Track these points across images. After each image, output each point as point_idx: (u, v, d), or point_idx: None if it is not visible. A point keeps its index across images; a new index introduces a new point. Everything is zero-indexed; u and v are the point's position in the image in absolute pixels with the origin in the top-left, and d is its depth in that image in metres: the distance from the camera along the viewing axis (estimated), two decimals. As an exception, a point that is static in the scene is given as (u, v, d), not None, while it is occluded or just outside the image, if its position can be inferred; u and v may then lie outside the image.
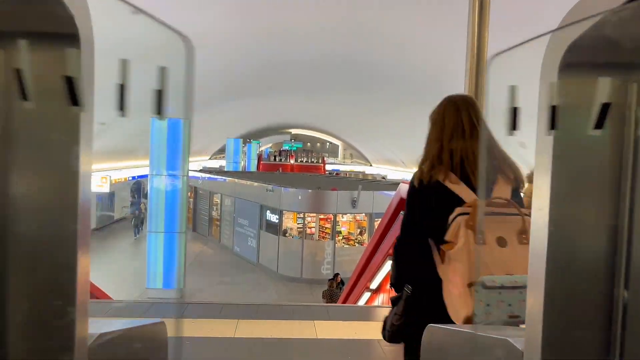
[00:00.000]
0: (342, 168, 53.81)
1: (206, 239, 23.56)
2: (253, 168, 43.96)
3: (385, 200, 17.58)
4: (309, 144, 64.75)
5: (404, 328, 1.97)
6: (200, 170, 27.59)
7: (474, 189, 1.85)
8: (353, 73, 20.31)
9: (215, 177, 23.62)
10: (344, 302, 8.38)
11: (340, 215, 17.14)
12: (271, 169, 44.79)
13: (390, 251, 2.89)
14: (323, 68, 19.75)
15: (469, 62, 3.41)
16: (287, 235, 17.20)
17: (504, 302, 1.68)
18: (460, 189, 1.86)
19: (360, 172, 52.62)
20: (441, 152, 1.94)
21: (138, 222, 22.83)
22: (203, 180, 24.61)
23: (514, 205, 1.80)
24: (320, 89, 24.58)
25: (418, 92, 20.90)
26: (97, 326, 1.12)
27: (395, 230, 3.83)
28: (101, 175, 19.91)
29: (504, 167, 1.92)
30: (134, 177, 26.47)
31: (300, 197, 16.76)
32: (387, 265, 4.93)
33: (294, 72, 20.96)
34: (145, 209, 21.10)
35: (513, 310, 1.67)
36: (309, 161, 51.32)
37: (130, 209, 27.11)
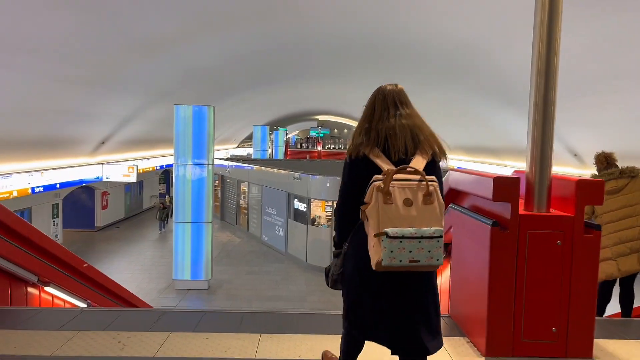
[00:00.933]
0: (370, 154, 52.96)
1: (234, 228, 23.37)
2: (280, 155, 43.68)
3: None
4: (335, 130, 63.99)
5: (342, 276, 2.39)
6: (227, 159, 27.35)
7: (394, 161, 2.25)
8: (381, 54, 19.57)
9: (242, 165, 23.32)
10: None
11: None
12: (298, 156, 44.43)
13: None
14: (350, 50, 19.08)
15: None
16: (315, 224, 16.76)
17: (405, 249, 2.05)
18: (382, 161, 2.25)
19: (388, 158, 51.77)
20: (369, 131, 2.35)
21: (163, 215, 22.15)
22: (230, 169, 24.35)
23: (421, 173, 2.16)
24: (347, 73, 23.88)
25: (448, 72, 20.02)
26: None
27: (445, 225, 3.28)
28: (128, 165, 19.78)
29: (425, 144, 2.31)
30: (161, 167, 26.42)
31: (328, 185, 16.26)
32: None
33: (320, 56, 20.35)
34: (171, 201, 20.77)
35: (413, 257, 2.06)
36: (337, 148, 50.78)
37: (159, 199, 27.05)
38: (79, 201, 21.36)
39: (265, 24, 14.80)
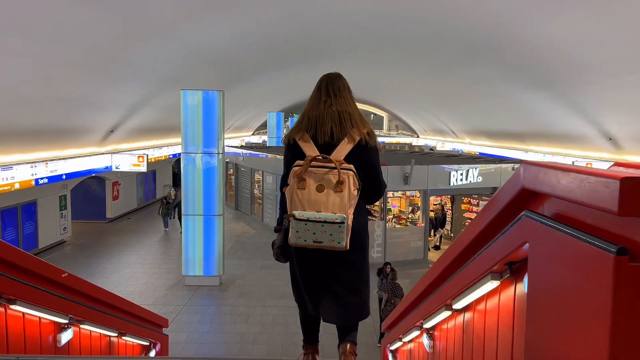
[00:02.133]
0: (387, 140, 51.86)
1: (249, 218, 22.60)
2: (296, 142, 42.65)
3: (442, 175, 16.05)
4: (352, 116, 62.70)
5: (285, 249, 2.60)
6: (241, 147, 26.52)
7: (320, 145, 2.45)
8: (400, 36, 18.44)
9: (257, 153, 22.46)
10: (389, 326, 7.00)
11: (391, 193, 15.61)
12: (314, 143, 43.41)
13: (496, 268, 2.57)
14: (368, 33, 18.00)
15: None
16: (333, 215, 15.86)
17: (309, 231, 2.29)
18: (307, 147, 2.45)
19: (406, 144, 50.57)
20: (302, 118, 2.58)
21: (166, 211, 19.87)
22: (244, 157, 23.53)
23: (335, 162, 2.34)
24: (364, 55, 22.76)
25: (472, 52, 18.81)
26: None
27: (509, 239, 2.38)
28: (138, 154, 19.05)
29: (353, 130, 2.47)
30: (174, 155, 25.72)
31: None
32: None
33: (337, 39, 19.29)
34: (176, 194, 19.88)
35: (317, 238, 2.29)
36: (353, 134, 49.56)
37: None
38: (89, 192, 20.76)
39: (279, 4, 13.82)
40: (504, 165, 16.52)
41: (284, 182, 2.54)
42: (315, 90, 2.66)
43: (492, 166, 16.42)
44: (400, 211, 17.04)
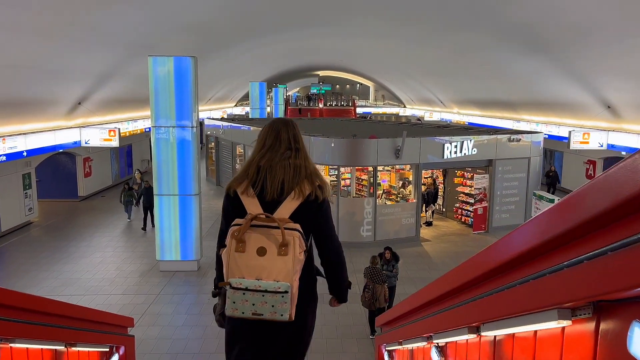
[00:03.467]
0: (373, 111, 50.72)
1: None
2: (281, 114, 41.35)
3: (435, 148, 15.09)
4: (337, 86, 61.41)
5: (225, 316, 2.26)
6: (222, 119, 25.22)
7: (267, 200, 2.20)
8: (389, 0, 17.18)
9: (238, 125, 21.22)
10: (386, 324, 6.07)
11: (381, 167, 14.62)
12: (299, 115, 42.17)
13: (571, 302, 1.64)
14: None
15: None
16: (319, 192, 14.84)
17: (248, 302, 2.04)
18: (250, 203, 2.20)
19: (393, 114, 49.50)
20: (250, 167, 2.30)
21: (128, 198, 16.53)
22: (224, 129, 22.28)
23: (278, 222, 2.08)
24: (351, 23, 21.44)
25: (463, 16, 17.62)
26: None
27: (619, 264, 1.37)
28: (109, 128, 17.73)
29: (304, 182, 2.24)
30: (149, 129, 24.32)
31: (333, 146, 14.27)
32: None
33: (319, 3, 17.96)
34: (142, 178, 17.90)
35: (256, 309, 2.05)
36: (339, 105, 48.41)
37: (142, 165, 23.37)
38: (58, 169, 19.43)
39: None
40: (500, 136, 15.59)
41: (221, 241, 2.28)
42: (269, 136, 2.35)
43: (487, 137, 15.47)
44: (390, 186, 16.10)
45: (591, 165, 20.40)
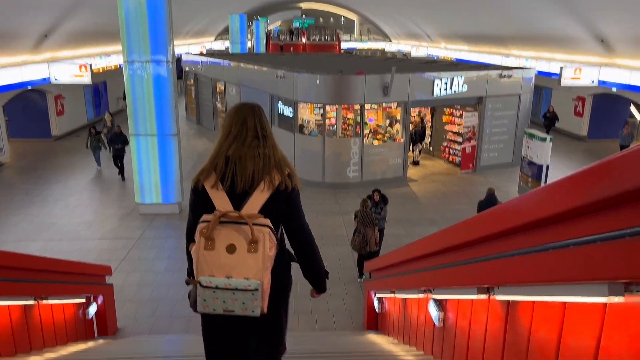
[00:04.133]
0: (358, 46, 49.20)
1: (212, 134, 20.84)
2: (262, 49, 39.84)
3: (424, 85, 14.49)
4: (321, 19, 59.16)
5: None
6: (201, 54, 24.03)
7: (238, 193, 2.12)
8: None
9: (218, 60, 20.20)
10: (376, 270, 5.75)
11: (368, 105, 14.05)
12: (281, 51, 40.67)
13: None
14: None
15: None
16: (304, 131, 14.32)
17: (218, 299, 2.03)
18: (218, 198, 2.11)
19: (378, 49, 48.11)
20: (217, 158, 2.18)
21: (96, 143, 14.82)
22: (203, 65, 21.25)
23: (247, 219, 2.02)
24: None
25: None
26: None
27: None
28: (79, 63, 16.68)
29: (273, 172, 2.16)
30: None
31: (318, 83, 13.60)
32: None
33: None
34: (112, 121, 16.57)
35: (227, 307, 2.04)
36: (323, 39, 46.73)
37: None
38: (29, 107, 18.43)
39: None
40: (490, 72, 15.02)
41: (189, 235, 2.24)
42: (236, 124, 2.24)
43: (478, 73, 14.89)
44: (377, 125, 15.61)
45: (580, 103, 20.06)
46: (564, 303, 1.98)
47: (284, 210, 2.21)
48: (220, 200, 2.11)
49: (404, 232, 10.74)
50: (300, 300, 7.85)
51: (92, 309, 6.26)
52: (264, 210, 2.12)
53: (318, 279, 2.50)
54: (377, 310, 6.48)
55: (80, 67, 16.60)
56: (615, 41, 16.73)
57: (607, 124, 19.57)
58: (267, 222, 2.08)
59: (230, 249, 2.02)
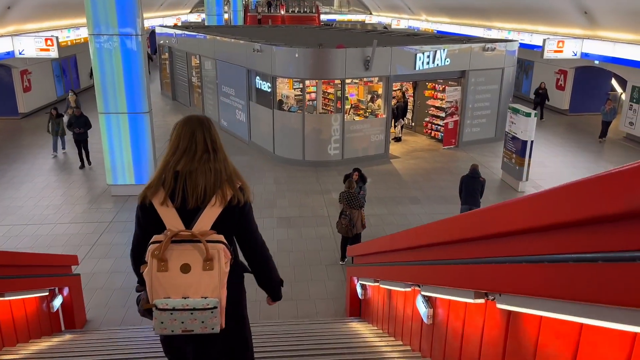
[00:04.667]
0: (338, 18, 48.20)
1: (188, 110, 20.18)
2: (240, 22, 38.70)
3: (407, 58, 14.06)
4: (300, -10, 57.63)
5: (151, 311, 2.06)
6: (175, 26, 23.11)
7: (189, 209, 2.05)
8: None
9: (193, 33, 19.41)
10: (360, 256, 5.41)
11: (349, 79, 13.61)
12: (259, 23, 39.61)
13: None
14: None
15: None
16: (283, 107, 13.84)
17: (176, 321, 1.96)
18: (168, 216, 2.03)
19: (358, 22, 47.21)
20: (165, 173, 2.09)
21: (57, 127, 13.70)
22: (178, 38, 20.43)
23: (199, 237, 1.96)
24: None
25: None
26: None
27: None
28: (45, 36, 15.81)
29: (225, 186, 2.11)
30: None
31: (297, 56, 13.09)
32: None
33: None
34: (76, 101, 15.41)
35: (186, 327, 1.97)
36: (302, 11, 45.64)
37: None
38: (-7, 83, 17.53)
39: None
40: (474, 45, 14.65)
41: (135, 252, 2.17)
42: (184, 138, 2.14)
43: (461, 46, 14.51)
44: (358, 100, 15.20)
45: (562, 76, 19.88)
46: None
47: (237, 225, 2.18)
48: (171, 218, 2.03)
49: (387, 211, 10.48)
50: (281, 286, 7.59)
51: (57, 302, 5.88)
52: (217, 225, 2.08)
53: (273, 289, 2.48)
54: (360, 297, 6.22)
55: (47, 40, 15.75)
56: (598, 13, 16.46)
57: (589, 97, 19.46)
58: (221, 237, 2.04)
59: (185, 268, 1.96)
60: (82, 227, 9.57)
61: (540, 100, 18.47)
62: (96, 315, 6.85)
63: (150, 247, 1.97)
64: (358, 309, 6.53)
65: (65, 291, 6.18)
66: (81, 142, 12.96)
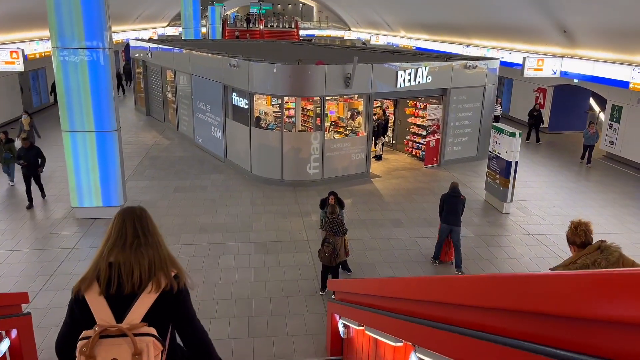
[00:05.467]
0: (317, 33, 48.15)
1: (162, 126, 19.53)
2: (218, 36, 38.26)
3: (388, 75, 13.69)
4: (279, 6, 57.66)
5: None
6: (149, 39, 22.49)
7: (124, 298, 2.04)
8: None
9: (168, 47, 18.83)
10: (342, 293, 4.90)
11: (330, 96, 13.20)
12: (237, 39, 39.22)
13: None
14: None
15: None
16: (261, 124, 13.34)
17: None
18: (99, 309, 2.02)
19: (337, 37, 47.21)
20: (99, 264, 2.11)
21: (7, 153, 11.90)
22: (152, 52, 19.82)
23: (125, 330, 1.94)
24: None
25: None
26: None
27: None
28: (10, 49, 15.07)
29: (160, 274, 2.12)
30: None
31: (275, 72, 12.63)
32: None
33: None
34: (32, 124, 14.08)
35: None
36: (281, 26, 45.43)
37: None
38: (-46, 97, 16.63)
39: None
40: (455, 63, 14.42)
41: (63, 344, 2.13)
42: (116, 228, 2.19)
43: (442, 64, 14.26)
44: (338, 117, 14.80)
45: (541, 94, 19.86)
46: None
47: (173, 313, 2.15)
48: (101, 312, 2.02)
49: (369, 235, 10.00)
50: (256, 321, 7.02)
51: (4, 346, 5.22)
52: (151, 314, 2.05)
53: None
54: (342, 335, 5.70)
55: (12, 52, 15.01)
56: (577, 32, 16.47)
57: (568, 115, 19.46)
58: (151, 330, 2.00)
59: None
60: (40, 254, 8.85)
61: (535, 122, 18.01)
62: (50, 357, 6.17)
63: (79, 344, 1.93)
64: (340, 348, 6.00)
65: (14, 333, 5.52)
66: (31, 178, 11.04)
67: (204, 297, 7.57)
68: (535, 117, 17.97)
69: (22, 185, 11.43)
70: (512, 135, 10.78)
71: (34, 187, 11.17)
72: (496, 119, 17.56)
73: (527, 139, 17.92)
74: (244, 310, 7.25)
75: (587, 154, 15.29)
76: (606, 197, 12.58)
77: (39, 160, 11.08)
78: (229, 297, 7.59)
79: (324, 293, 7.68)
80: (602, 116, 20.24)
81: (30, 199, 11.01)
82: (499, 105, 18.44)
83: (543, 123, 18.31)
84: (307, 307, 7.42)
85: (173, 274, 2.16)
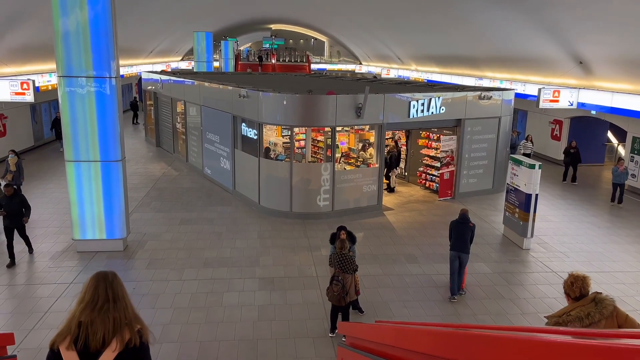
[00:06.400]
0: (328, 67, 48.52)
1: (172, 157, 19.35)
2: (231, 69, 38.64)
3: (400, 106, 13.42)
4: (291, 41, 58.54)
5: None
6: (161, 72, 22.59)
7: (91, 354, 2.37)
8: None
9: (179, 79, 18.81)
10: (355, 338, 4.43)
11: (340, 127, 12.89)
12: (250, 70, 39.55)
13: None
14: None
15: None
16: (270, 155, 13.03)
17: None
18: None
19: (349, 71, 47.52)
20: (72, 322, 2.43)
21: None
22: (163, 84, 19.82)
23: None
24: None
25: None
26: None
27: None
28: (21, 80, 15.07)
29: (124, 330, 2.42)
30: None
31: (285, 103, 12.38)
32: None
33: None
34: (18, 164, 12.83)
35: None
36: (292, 60, 45.89)
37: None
38: (-35, 128, 16.62)
39: None
40: (469, 94, 14.11)
41: None
42: (88, 291, 2.50)
43: (456, 94, 13.95)
44: (349, 149, 14.46)
45: (557, 126, 19.43)
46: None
47: None
48: None
49: (381, 271, 9.48)
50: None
51: (-17, 394, 4.77)
52: None
53: None
54: (353, 385, 5.15)
55: (23, 84, 14.99)
56: (594, 63, 16.14)
57: (585, 148, 18.95)
58: None
59: None
60: (37, 289, 8.44)
61: (571, 160, 16.48)
62: (36, 404, 5.68)
63: None
64: (351, 398, 5.44)
65: (-5, 379, 5.07)
66: (13, 231, 9.45)
67: (205, 337, 7.07)
68: (572, 155, 16.46)
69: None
70: (532, 167, 10.31)
71: (18, 240, 9.62)
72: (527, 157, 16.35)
73: (564, 179, 16.68)
74: (248, 353, 6.73)
75: (616, 193, 14.26)
76: (631, 232, 11.96)
77: (23, 209, 9.53)
78: (232, 338, 7.07)
79: (334, 335, 7.15)
80: (621, 149, 19.69)
81: (12, 255, 9.33)
82: (529, 142, 17.79)
83: (580, 162, 16.69)
84: (316, 350, 6.88)
85: (137, 328, 2.44)
